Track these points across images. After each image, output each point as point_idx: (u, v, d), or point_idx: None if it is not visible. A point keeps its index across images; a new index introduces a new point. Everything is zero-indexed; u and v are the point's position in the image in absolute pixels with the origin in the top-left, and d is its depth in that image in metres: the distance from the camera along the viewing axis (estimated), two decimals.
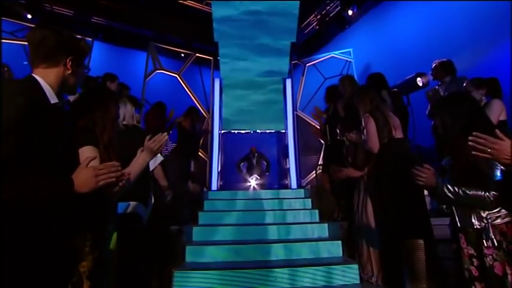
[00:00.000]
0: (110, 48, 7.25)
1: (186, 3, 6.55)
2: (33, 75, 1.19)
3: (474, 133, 1.20)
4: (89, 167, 1.13)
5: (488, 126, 1.51)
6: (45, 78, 1.19)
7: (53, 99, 1.19)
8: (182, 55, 6.92)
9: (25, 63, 5.41)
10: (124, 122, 2.55)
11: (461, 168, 1.53)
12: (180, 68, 6.24)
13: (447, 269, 2.20)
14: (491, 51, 4.20)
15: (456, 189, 1.45)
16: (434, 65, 4.02)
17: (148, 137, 1.66)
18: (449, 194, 1.47)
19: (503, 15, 3.84)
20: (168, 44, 6.69)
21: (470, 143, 1.21)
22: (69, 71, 1.23)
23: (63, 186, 1.08)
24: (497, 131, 1.19)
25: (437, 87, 4.06)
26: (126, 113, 2.58)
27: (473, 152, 1.21)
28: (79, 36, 1.32)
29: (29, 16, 5.74)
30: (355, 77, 6.46)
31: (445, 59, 3.96)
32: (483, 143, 1.18)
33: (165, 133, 1.72)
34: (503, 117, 3.00)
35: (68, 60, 1.22)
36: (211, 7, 5.28)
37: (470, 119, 1.53)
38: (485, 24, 4.13)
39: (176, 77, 6.12)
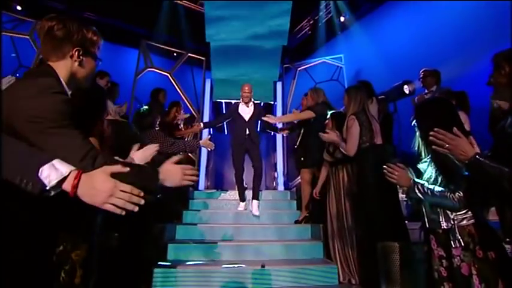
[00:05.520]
0: (102, 44, 7.17)
1: (180, 2, 6.54)
2: (49, 64, 1.15)
3: (435, 129, 1.31)
4: (177, 165, 1.25)
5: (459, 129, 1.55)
6: (57, 71, 1.14)
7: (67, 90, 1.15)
8: (174, 54, 6.89)
9: (13, 55, 5.33)
10: (110, 117, 2.54)
11: (433, 168, 1.58)
12: (172, 67, 6.21)
13: (420, 271, 2.24)
14: (480, 61, 4.31)
15: (425, 188, 1.50)
16: (423, 74, 4.15)
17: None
18: (419, 194, 1.51)
19: (490, 25, 3.96)
20: (160, 42, 6.66)
21: (430, 137, 1.31)
22: (76, 63, 1.17)
23: (155, 174, 1.19)
24: (455, 128, 1.29)
25: (424, 94, 4.17)
26: (110, 109, 2.59)
27: (433, 147, 1.32)
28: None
29: (19, 8, 5.65)
30: (345, 82, 6.58)
31: (433, 69, 4.11)
32: (442, 138, 1.29)
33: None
34: (466, 128, 3.17)
35: (74, 52, 1.16)
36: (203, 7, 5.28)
37: (442, 122, 1.57)
38: (475, 35, 4.25)
39: (167, 75, 6.10)
